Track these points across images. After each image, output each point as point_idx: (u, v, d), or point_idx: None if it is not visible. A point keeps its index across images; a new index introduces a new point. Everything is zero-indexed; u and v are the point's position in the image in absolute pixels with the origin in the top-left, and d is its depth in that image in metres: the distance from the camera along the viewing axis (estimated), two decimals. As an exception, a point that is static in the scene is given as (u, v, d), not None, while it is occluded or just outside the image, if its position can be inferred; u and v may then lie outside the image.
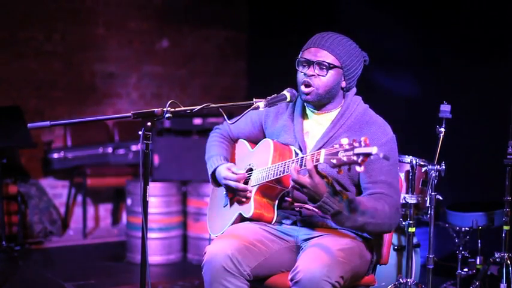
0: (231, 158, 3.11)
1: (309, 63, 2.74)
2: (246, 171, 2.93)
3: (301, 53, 2.81)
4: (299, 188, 2.49)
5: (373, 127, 2.75)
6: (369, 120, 2.78)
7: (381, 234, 2.81)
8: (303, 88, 2.76)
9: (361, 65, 2.83)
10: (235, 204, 2.92)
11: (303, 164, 2.49)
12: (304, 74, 2.75)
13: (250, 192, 2.81)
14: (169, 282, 4.89)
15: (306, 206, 2.78)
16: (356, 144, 2.19)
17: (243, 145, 3.10)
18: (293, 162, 2.56)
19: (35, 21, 6.68)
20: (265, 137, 2.96)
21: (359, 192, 2.75)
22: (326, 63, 2.72)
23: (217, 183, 3.01)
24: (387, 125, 2.79)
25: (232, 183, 2.85)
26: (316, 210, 2.72)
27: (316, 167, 2.45)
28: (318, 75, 2.73)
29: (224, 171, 2.91)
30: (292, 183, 2.51)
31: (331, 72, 2.73)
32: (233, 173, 2.87)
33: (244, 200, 2.83)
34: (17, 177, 6.25)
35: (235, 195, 2.90)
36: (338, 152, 2.24)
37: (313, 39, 2.79)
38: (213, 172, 3.00)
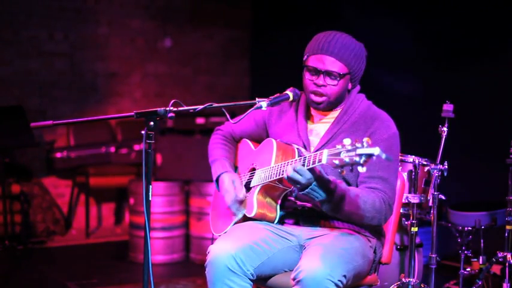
0: (234, 158, 3.11)
1: (318, 72, 2.73)
2: (249, 171, 2.93)
3: (306, 56, 2.78)
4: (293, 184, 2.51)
5: (376, 122, 2.75)
6: (373, 115, 2.78)
7: (371, 226, 2.78)
8: (314, 97, 2.76)
9: (365, 62, 2.82)
10: (238, 203, 2.92)
11: (304, 165, 2.49)
12: (314, 84, 2.74)
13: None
14: (171, 281, 4.89)
15: (309, 205, 2.78)
16: (358, 145, 2.17)
17: (246, 144, 3.10)
18: (296, 162, 2.56)
19: (38, 20, 6.69)
20: (268, 136, 2.95)
21: None
22: (336, 73, 2.71)
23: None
24: (391, 120, 2.79)
25: (229, 201, 2.87)
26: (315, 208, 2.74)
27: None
28: (328, 84, 2.73)
29: (228, 183, 2.90)
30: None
31: (341, 80, 2.73)
32: (235, 188, 2.88)
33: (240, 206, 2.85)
34: (20, 176, 6.26)
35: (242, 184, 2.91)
36: (340, 152, 2.22)
37: (319, 43, 2.74)
38: (217, 177, 3.00)
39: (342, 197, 2.54)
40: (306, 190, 2.48)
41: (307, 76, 2.77)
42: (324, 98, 2.75)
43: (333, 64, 2.71)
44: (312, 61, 2.74)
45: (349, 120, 2.78)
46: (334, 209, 2.57)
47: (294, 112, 2.93)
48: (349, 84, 2.79)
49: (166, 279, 4.97)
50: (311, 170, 2.45)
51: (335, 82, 2.72)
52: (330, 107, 2.79)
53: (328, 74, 2.71)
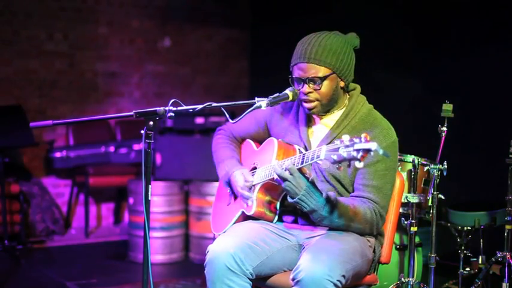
0: (239, 157, 3.11)
1: (302, 80, 2.73)
2: (251, 170, 2.93)
3: (291, 67, 2.79)
4: (281, 181, 2.55)
5: (376, 130, 2.74)
6: (373, 122, 2.78)
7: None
8: (305, 105, 2.77)
9: (353, 57, 2.80)
10: (238, 202, 2.93)
11: (303, 161, 2.50)
12: (301, 92, 2.74)
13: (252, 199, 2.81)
14: (171, 281, 4.89)
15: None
16: (356, 140, 2.20)
17: (248, 145, 3.11)
18: (295, 160, 2.57)
19: (37, 20, 6.69)
20: (270, 137, 2.96)
21: None
22: (318, 78, 2.71)
23: (228, 185, 3.01)
24: (391, 128, 2.79)
25: (239, 191, 2.85)
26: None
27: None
28: (315, 89, 2.73)
29: (239, 175, 2.88)
30: (277, 176, 2.56)
31: (325, 82, 2.72)
32: (245, 180, 2.86)
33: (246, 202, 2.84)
34: (19, 176, 6.27)
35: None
36: (339, 148, 2.25)
37: (297, 52, 2.74)
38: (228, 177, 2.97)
39: (334, 210, 2.59)
40: (295, 199, 2.55)
41: (295, 86, 2.78)
42: (315, 103, 2.75)
43: (312, 70, 2.70)
44: (295, 71, 2.76)
45: (349, 125, 2.79)
46: (324, 220, 2.62)
47: (295, 114, 2.93)
48: (341, 82, 2.78)
49: (166, 279, 4.97)
50: (303, 175, 2.53)
51: (319, 86, 2.72)
52: (325, 108, 2.79)
53: (310, 80, 2.72)
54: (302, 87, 2.73)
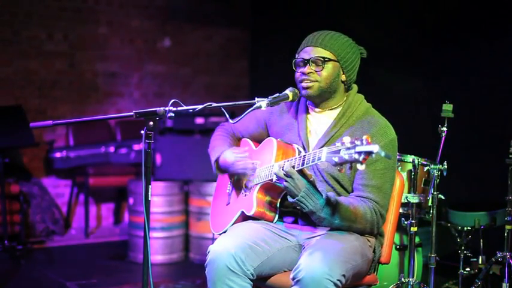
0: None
1: (305, 62, 2.77)
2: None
3: (297, 53, 2.84)
4: (280, 182, 2.57)
5: (374, 128, 2.75)
6: (371, 120, 2.78)
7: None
8: (303, 84, 2.78)
9: (358, 57, 2.85)
10: (237, 202, 2.93)
11: (304, 163, 2.50)
12: (302, 73, 2.77)
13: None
14: (171, 281, 4.89)
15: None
16: (358, 143, 2.20)
17: (247, 144, 3.11)
18: (295, 161, 2.57)
19: (37, 20, 6.69)
20: (269, 136, 2.96)
21: None
22: (321, 58, 2.74)
23: (221, 170, 3.02)
24: (389, 126, 2.79)
25: (240, 167, 2.86)
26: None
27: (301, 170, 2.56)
28: (316, 71, 2.75)
29: (230, 155, 2.92)
30: (275, 177, 2.58)
31: (327, 65, 2.76)
32: (238, 154, 2.89)
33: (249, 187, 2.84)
34: (19, 176, 6.26)
35: (242, 181, 2.91)
36: (340, 150, 2.24)
37: (306, 40, 2.83)
38: (217, 160, 3.00)
39: (333, 211, 2.60)
40: (294, 199, 2.56)
41: (296, 70, 2.83)
42: (312, 84, 2.77)
43: (318, 52, 2.76)
44: (300, 55, 2.82)
45: (347, 123, 2.79)
46: (324, 221, 2.63)
47: (294, 113, 2.94)
48: (342, 75, 2.80)
49: (166, 279, 4.97)
50: (304, 176, 2.55)
51: (320, 68, 2.75)
52: (322, 94, 2.80)
53: (314, 61, 2.76)
54: (303, 68, 2.76)
